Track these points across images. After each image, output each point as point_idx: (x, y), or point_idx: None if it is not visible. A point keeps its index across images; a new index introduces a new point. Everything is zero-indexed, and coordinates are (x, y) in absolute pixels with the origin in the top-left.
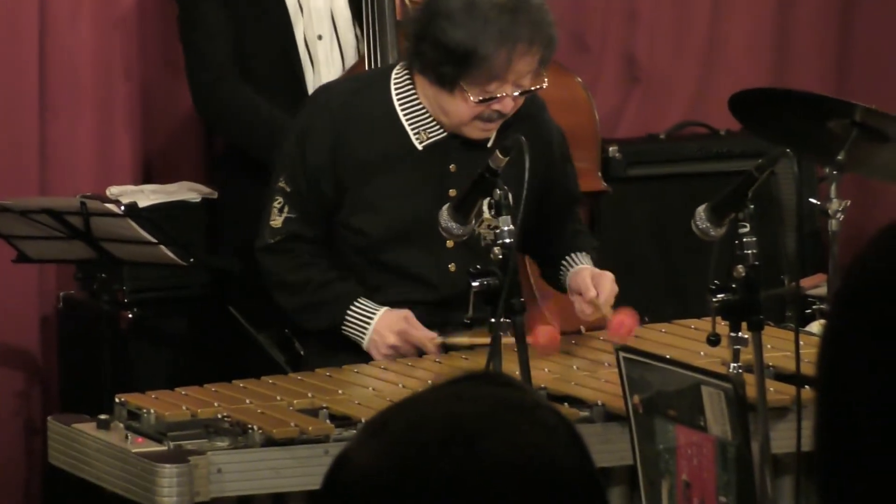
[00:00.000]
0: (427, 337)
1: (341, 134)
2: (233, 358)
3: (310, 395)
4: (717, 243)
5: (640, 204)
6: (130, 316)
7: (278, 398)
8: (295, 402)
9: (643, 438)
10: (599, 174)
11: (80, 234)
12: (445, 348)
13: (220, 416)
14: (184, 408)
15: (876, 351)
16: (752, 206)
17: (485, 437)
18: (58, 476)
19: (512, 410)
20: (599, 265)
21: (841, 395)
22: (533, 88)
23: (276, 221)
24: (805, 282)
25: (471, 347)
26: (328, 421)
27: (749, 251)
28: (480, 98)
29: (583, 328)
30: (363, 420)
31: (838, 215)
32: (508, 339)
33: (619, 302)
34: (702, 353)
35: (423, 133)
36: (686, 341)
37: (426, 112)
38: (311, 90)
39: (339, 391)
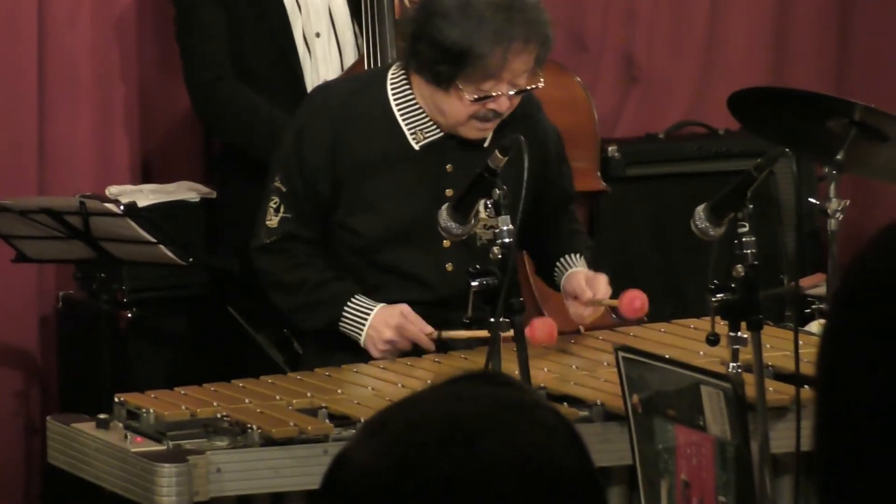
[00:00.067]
0: (424, 331)
1: (339, 134)
2: (232, 358)
3: (309, 394)
4: (717, 243)
5: (639, 204)
6: (130, 315)
7: (277, 398)
8: (294, 401)
9: (642, 438)
10: (599, 174)
11: (80, 234)
12: (442, 343)
13: (219, 415)
14: (183, 407)
15: (875, 351)
16: (751, 206)
17: (485, 437)
18: (57, 476)
19: (511, 410)
20: (598, 265)
21: (840, 394)
22: (529, 88)
23: (272, 221)
24: (804, 281)
25: (468, 343)
26: (327, 420)
27: (748, 251)
28: (476, 97)
29: (582, 328)
30: (362, 420)
31: (837, 215)
32: (508, 334)
33: None
34: (701, 352)
35: (419, 133)
36: (685, 341)
37: (423, 112)
38: (310, 88)
39: (339, 391)
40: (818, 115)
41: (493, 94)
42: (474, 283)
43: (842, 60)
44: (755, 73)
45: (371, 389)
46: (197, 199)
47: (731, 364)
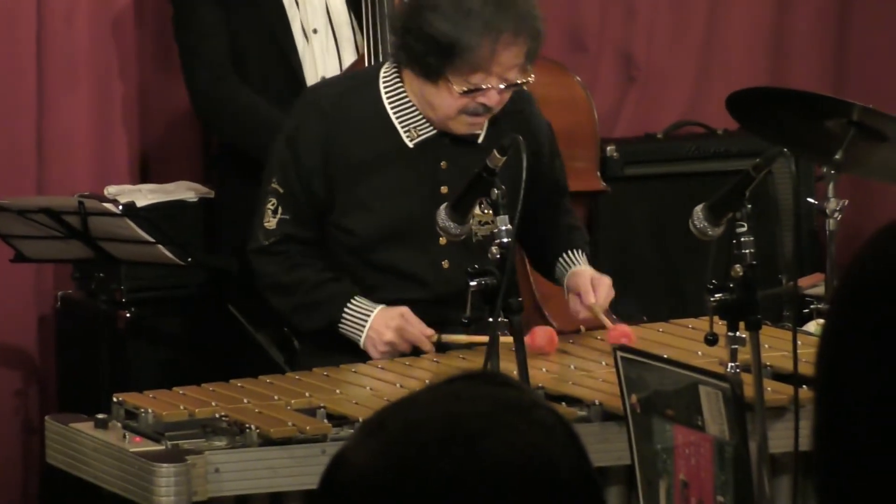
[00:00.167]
0: (424, 333)
1: (333, 134)
2: (230, 357)
3: (307, 394)
4: (715, 243)
5: (638, 203)
6: (128, 315)
7: (276, 398)
8: (292, 401)
9: (641, 438)
10: (598, 174)
11: (78, 234)
12: (442, 346)
13: (217, 415)
14: (181, 407)
15: (875, 351)
16: (749, 206)
17: (484, 437)
18: (55, 475)
19: (510, 410)
20: (597, 265)
21: (840, 394)
22: (519, 82)
23: (271, 223)
24: (803, 281)
25: (468, 346)
26: (325, 420)
27: (746, 251)
28: (465, 89)
29: (582, 328)
30: (361, 420)
31: (836, 215)
32: (507, 338)
33: (617, 301)
34: (699, 352)
35: (413, 131)
36: (684, 341)
37: (416, 110)
38: (309, 85)
39: (337, 391)
40: (816, 116)
41: (483, 87)
42: (473, 283)
43: (840, 60)
44: (754, 73)
45: (369, 389)
46: (195, 199)
47: (730, 364)
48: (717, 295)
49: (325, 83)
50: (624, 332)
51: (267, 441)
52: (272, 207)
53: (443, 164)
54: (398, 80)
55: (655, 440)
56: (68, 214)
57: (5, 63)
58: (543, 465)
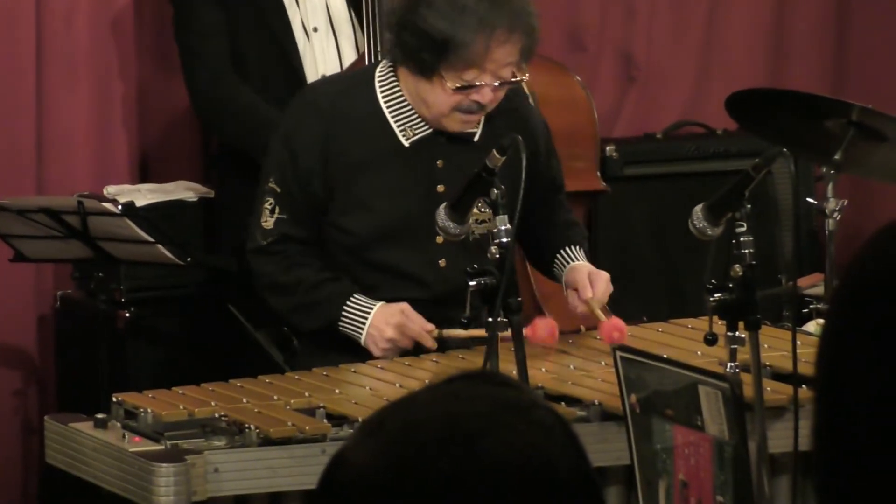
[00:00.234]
0: (425, 328)
1: (330, 133)
2: (230, 357)
3: (307, 394)
4: (714, 243)
5: (637, 203)
6: (127, 315)
7: (275, 397)
8: (292, 401)
9: (640, 438)
10: (598, 174)
11: (78, 234)
12: (443, 341)
13: (217, 415)
14: (181, 407)
15: (874, 350)
16: (748, 206)
17: (483, 437)
18: (55, 475)
19: (509, 410)
20: (596, 265)
21: (840, 394)
22: (513, 80)
23: (268, 223)
24: (802, 281)
25: (468, 342)
26: (325, 420)
27: (746, 250)
28: (458, 85)
29: (582, 327)
30: (360, 419)
31: (835, 215)
32: (507, 334)
33: (616, 300)
34: (699, 352)
35: (409, 130)
36: (683, 341)
37: (411, 108)
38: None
39: (336, 390)
40: (816, 116)
41: (477, 84)
42: (472, 283)
43: (839, 61)
44: (754, 73)
45: (369, 389)
46: (195, 199)
47: (729, 364)
48: (716, 295)
49: (322, 82)
50: (616, 326)
51: (266, 441)
52: (270, 207)
53: (439, 162)
54: (394, 78)
55: (655, 440)
56: (68, 214)
57: (5, 63)
58: (542, 465)
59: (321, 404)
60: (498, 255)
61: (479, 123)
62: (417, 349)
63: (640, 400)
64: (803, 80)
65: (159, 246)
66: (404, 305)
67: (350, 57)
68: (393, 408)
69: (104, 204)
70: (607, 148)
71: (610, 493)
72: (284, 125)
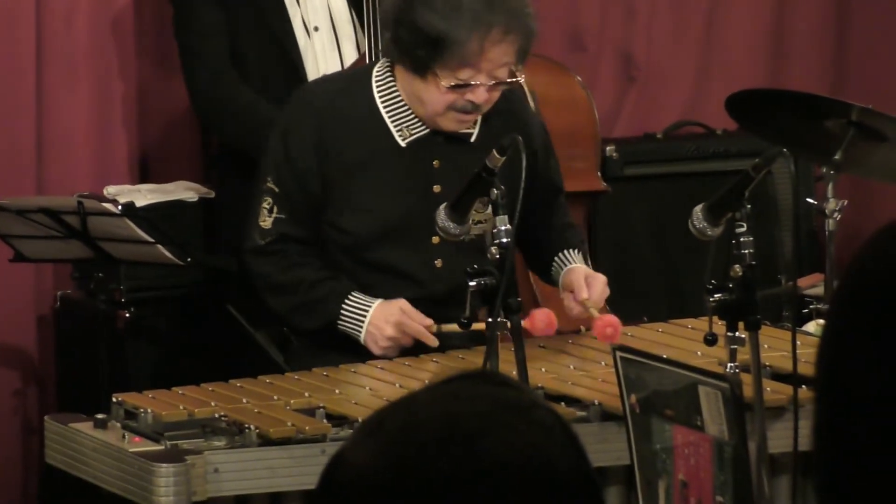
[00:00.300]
0: (425, 325)
1: (325, 133)
2: (230, 357)
3: (307, 394)
4: (714, 243)
5: (637, 203)
6: (127, 315)
7: (275, 398)
8: (292, 401)
9: (640, 438)
10: (598, 174)
11: (78, 234)
12: (442, 339)
13: (216, 415)
14: (181, 407)
15: (874, 351)
16: (748, 206)
17: (483, 437)
18: (55, 475)
19: (509, 410)
20: (596, 265)
21: (840, 394)
22: (509, 81)
23: (266, 222)
24: (802, 281)
25: (465, 340)
26: (325, 420)
27: (746, 251)
28: (452, 84)
29: (583, 328)
30: (360, 419)
31: (835, 215)
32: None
33: (616, 301)
34: (699, 352)
35: (405, 130)
36: (683, 341)
37: (408, 108)
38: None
39: (336, 391)
40: (816, 116)
41: (471, 83)
42: (472, 283)
43: (839, 61)
44: (754, 73)
45: (369, 389)
46: (195, 199)
47: (729, 364)
48: (716, 295)
49: (318, 81)
50: (609, 322)
51: (266, 441)
52: (268, 207)
53: (435, 162)
54: (391, 77)
55: (655, 440)
56: (67, 214)
57: (5, 63)
58: (542, 465)
59: (321, 404)
60: (498, 256)
61: (475, 123)
62: (417, 349)
63: (639, 400)
64: (803, 81)
65: (159, 246)
66: (403, 302)
67: (351, 57)
68: (393, 408)
69: (104, 204)
70: (607, 148)
71: (610, 493)
72: (281, 122)
